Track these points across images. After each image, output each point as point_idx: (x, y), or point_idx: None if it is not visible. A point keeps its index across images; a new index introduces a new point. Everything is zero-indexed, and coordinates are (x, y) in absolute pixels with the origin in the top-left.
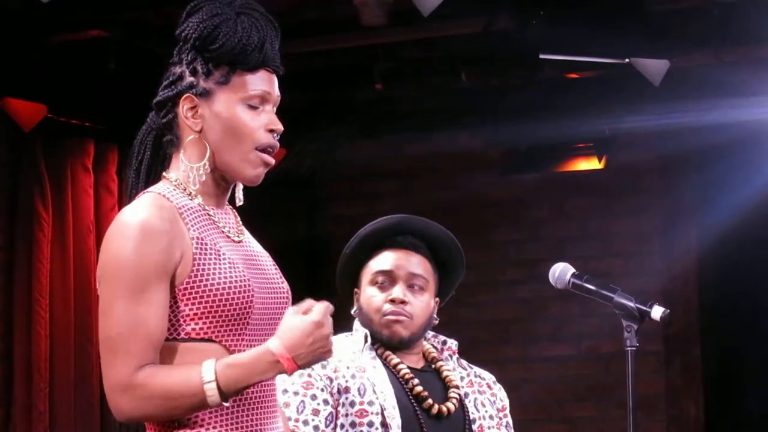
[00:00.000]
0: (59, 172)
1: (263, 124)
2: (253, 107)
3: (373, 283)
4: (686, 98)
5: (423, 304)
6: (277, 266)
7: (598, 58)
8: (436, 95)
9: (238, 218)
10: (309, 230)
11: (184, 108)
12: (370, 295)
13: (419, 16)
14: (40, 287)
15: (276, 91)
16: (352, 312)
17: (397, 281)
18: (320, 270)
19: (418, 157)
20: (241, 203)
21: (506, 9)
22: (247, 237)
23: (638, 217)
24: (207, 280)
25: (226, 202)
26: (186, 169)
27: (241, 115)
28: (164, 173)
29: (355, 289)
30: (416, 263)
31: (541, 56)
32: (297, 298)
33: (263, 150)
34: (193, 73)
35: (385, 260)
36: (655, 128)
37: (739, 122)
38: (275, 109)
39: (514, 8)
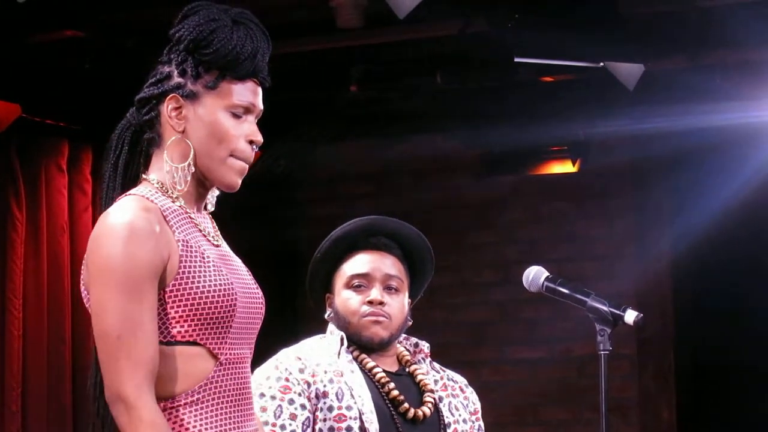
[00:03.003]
0: (33, 172)
1: (244, 134)
2: (236, 116)
3: (349, 286)
4: (661, 103)
5: (399, 304)
6: (250, 272)
7: (573, 61)
8: (411, 97)
9: (215, 223)
10: (284, 232)
11: (168, 107)
12: (346, 298)
13: (395, 19)
14: (14, 287)
15: (260, 104)
16: (326, 317)
17: (373, 283)
18: (295, 271)
19: (394, 159)
20: (212, 209)
21: (482, 12)
22: (224, 244)
23: (612, 220)
24: (193, 282)
25: (203, 207)
26: (171, 170)
27: (224, 121)
28: (144, 174)
29: (327, 294)
30: (390, 264)
31: (516, 59)
32: (271, 299)
33: (241, 158)
34: (182, 74)
35: (360, 263)
36: (629, 132)
37: (714, 127)
38: (257, 120)
39: (490, 11)
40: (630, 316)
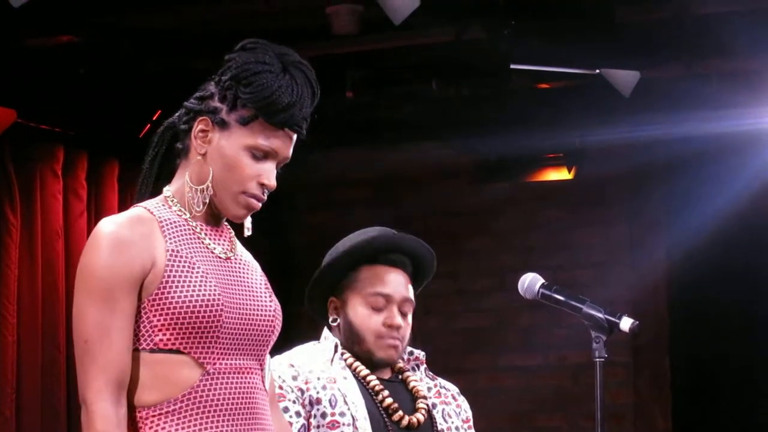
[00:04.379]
0: (28, 178)
1: (257, 176)
2: (255, 156)
3: (368, 302)
4: (656, 110)
5: (409, 325)
6: (269, 286)
7: (569, 68)
8: (407, 104)
9: (233, 237)
10: (279, 239)
11: (198, 128)
12: (365, 315)
13: (391, 25)
14: (8, 292)
15: (287, 152)
16: (331, 322)
17: (392, 304)
18: (290, 278)
19: (390, 166)
20: (249, 234)
21: (477, 19)
22: (240, 256)
23: (608, 228)
24: (175, 291)
25: (224, 222)
26: (190, 190)
27: (242, 159)
28: (165, 187)
29: (332, 297)
30: (406, 285)
31: (512, 66)
32: None
33: (251, 197)
34: (222, 100)
35: (381, 281)
36: (625, 140)
37: (710, 135)
38: (279, 167)
39: (486, 18)
40: (625, 323)
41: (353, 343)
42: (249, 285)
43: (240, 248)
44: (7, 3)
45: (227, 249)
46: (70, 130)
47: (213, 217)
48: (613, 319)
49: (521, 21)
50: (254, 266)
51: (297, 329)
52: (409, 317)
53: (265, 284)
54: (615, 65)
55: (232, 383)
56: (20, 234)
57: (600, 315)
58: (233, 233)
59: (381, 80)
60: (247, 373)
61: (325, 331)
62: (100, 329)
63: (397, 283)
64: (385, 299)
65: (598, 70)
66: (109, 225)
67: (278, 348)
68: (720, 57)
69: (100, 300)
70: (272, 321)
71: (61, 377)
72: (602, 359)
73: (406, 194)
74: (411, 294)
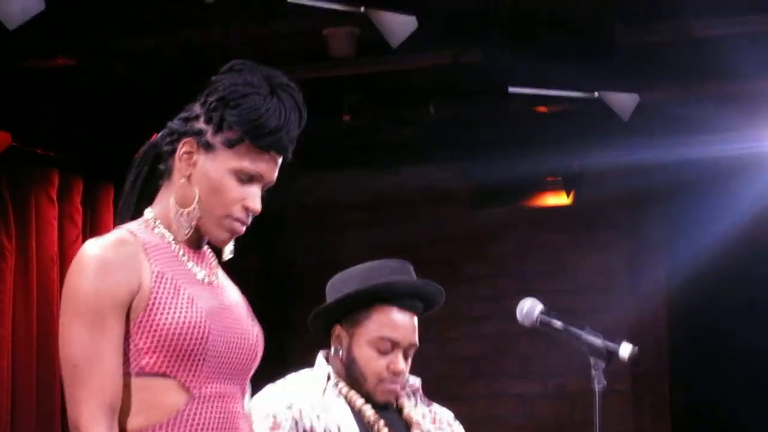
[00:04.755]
0: (23, 202)
1: (242, 199)
2: (241, 180)
3: (375, 344)
4: (655, 133)
5: (409, 365)
6: (250, 311)
7: (567, 92)
8: (404, 127)
9: (215, 262)
10: (274, 261)
11: (182, 150)
12: (369, 357)
13: (388, 48)
14: (3, 318)
15: (273, 176)
16: (334, 352)
17: (398, 349)
18: (285, 301)
19: (386, 190)
20: (230, 256)
21: (475, 41)
22: (221, 281)
23: (607, 253)
24: (162, 314)
25: (205, 246)
26: (176, 213)
27: (227, 183)
28: (147, 209)
29: (337, 325)
30: (415, 330)
31: (510, 90)
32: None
33: (236, 221)
34: (207, 121)
35: (393, 326)
36: (623, 163)
37: (709, 158)
38: (264, 189)
39: (483, 41)
40: (625, 350)
41: (353, 378)
42: (232, 310)
43: (221, 273)
44: (3, 25)
45: (209, 274)
46: (65, 155)
47: (194, 240)
48: (612, 345)
49: (519, 44)
50: (235, 291)
51: (292, 355)
52: (410, 358)
53: (247, 309)
54: (614, 88)
55: (216, 409)
56: (15, 259)
57: (599, 342)
58: (214, 257)
59: (378, 103)
60: (231, 398)
61: (320, 358)
62: (90, 352)
63: (407, 329)
64: (393, 345)
65: (596, 94)
66: (94, 247)
67: (273, 375)
68: (719, 80)
69: (89, 323)
70: (255, 347)
71: (56, 403)
72: (602, 386)
73: (403, 218)
74: (417, 338)
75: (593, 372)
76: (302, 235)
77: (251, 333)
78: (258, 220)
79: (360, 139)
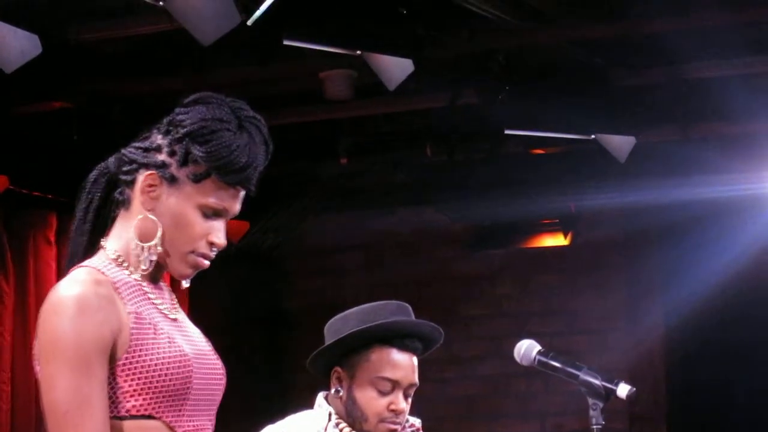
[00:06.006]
0: (21, 244)
1: (206, 234)
2: (206, 215)
3: (375, 385)
4: (652, 175)
5: (410, 405)
6: (211, 345)
7: (564, 134)
8: (400, 169)
9: (173, 296)
10: (272, 304)
11: (145, 182)
12: (370, 397)
13: (384, 90)
14: (2, 361)
15: (237, 209)
16: (334, 393)
17: (398, 389)
18: (283, 343)
19: (383, 232)
20: (187, 286)
21: (471, 84)
22: (181, 315)
23: (604, 293)
24: (145, 355)
25: (163, 279)
26: (136, 248)
27: (192, 218)
28: (103, 240)
29: (338, 368)
30: (415, 370)
31: (506, 132)
32: (259, 373)
33: (200, 256)
34: (171, 154)
35: (392, 366)
36: (620, 205)
37: (706, 199)
38: (226, 222)
39: (479, 84)
40: (623, 390)
41: (354, 419)
42: (198, 345)
43: (179, 308)
44: (0, 68)
45: (171, 308)
46: (62, 197)
47: (153, 274)
48: (610, 386)
49: (515, 86)
50: (193, 326)
51: (292, 396)
52: (410, 398)
53: (209, 343)
54: (610, 130)
55: None
56: (13, 302)
57: (597, 382)
58: (171, 291)
59: (374, 145)
60: None
61: (319, 398)
62: (80, 399)
63: (407, 369)
64: (393, 385)
65: (593, 135)
66: (70, 289)
67: (275, 415)
68: (716, 121)
69: (76, 368)
70: (222, 380)
71: None
72: (599, 426)
73: (400, 260)
74: (417, 378)
75: (591, 412)
76: (300, 279)
77: (218, 365)
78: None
79: (357, 181)
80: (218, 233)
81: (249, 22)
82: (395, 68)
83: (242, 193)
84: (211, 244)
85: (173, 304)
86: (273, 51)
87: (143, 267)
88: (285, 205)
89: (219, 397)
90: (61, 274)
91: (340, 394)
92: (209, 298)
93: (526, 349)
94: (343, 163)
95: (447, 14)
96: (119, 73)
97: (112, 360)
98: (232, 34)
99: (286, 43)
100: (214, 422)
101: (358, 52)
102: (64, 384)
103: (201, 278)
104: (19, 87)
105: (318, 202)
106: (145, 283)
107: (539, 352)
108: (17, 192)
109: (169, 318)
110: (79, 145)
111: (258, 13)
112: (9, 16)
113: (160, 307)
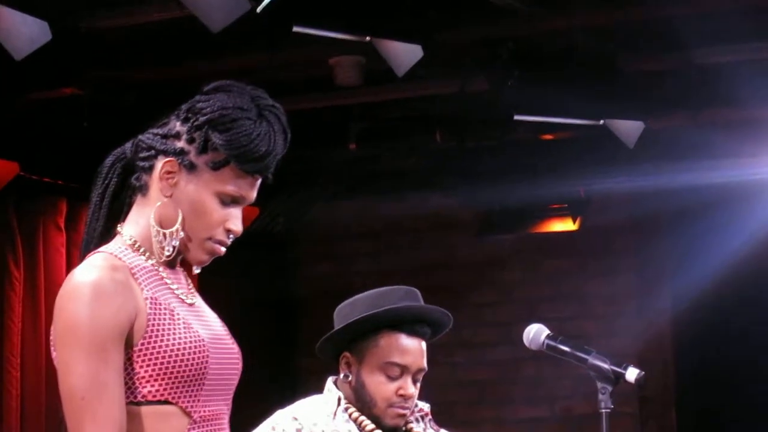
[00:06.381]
0: (31, 231)
1: (224, 221)
2: (223, 202)
3: (384, 370)
4: (661, 160)
5: (418, 390)
6: (227, 329)
7: (573, 119)
8: (410, 156)
9: (189, 281)
10: (281, 290)
11: (163, 169)
12: (378, 382)
13: (394, 77)
14: (11, 346)
15: (253, 196)
16: (343, 378)
17: (407, 374)
18: (292, 328)
19: (392, 218)
20: (198, 272)
21: (481, 70)
22: (199, 300)
23: (613, 278)
24: (162, 340)
25: (178, 264)
26: (157, 234)
27: (210, 205)
28: (120, 226)
29: (346, 353)
30: (423, 354)
31: (516, 117)
32: (269, 359)
33: (217, 243)
34: (190, 141)
35: (401, 351)
36: (629, 190)
37: (715, 184)
38: (242, 209)
39: (489, 69)
40: (631, 374)
41: (363, 403)
42: (215, 329)
43: (196, 293)
44: (10, 55)
45: (189, 294)
46: (73, 183)
47: (170, 261)
48: (618, 369)
49: (524, 72)
50: (209, 309)
51: (302, 382)
52: (419, 383)
53: (225, 327)
54: (619, 115)
55: (213, 430)
56: (23, 287)
57: (606, 366)
58: (187, 276)
59: (384, 132)
60: (221, 418)
61: (329, 383)
62: (97, 384)
63: (416, 354)
64: (402, 370)
65: (602, 121)
66: (87, 275)
67: (282, 401)
68: (725, 106)
69: (93, 353)
70: (238, 364)
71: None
72: (608, 410)
73: (409, 246)
74: (425, 363)
75: (600, 396)
76: (310, 265)
77: (234, 350)
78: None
79: (366, 167)
80: (235, 220)
81: (258, 9)
82: (405, 54)
83: (259, 181)
84: (228, 231)
85: (190, 288)
86: (282, 38)
87: (167, 253)
88: (294, 191)
89: (235, 382)
90: (71, 260)
91: (349, 379)
92: (218, 283)
93: (535, 333)
94: (353, 149)
95: (456, 0)
96: (129, 60)
97: (129, 345)
98: (242, 21)
99: (295, 29)
100: (230, 406)
101: (368, 38)
102: (81, 370)
103: (210, 263)
104: (29, 74)
105: (327, 188)
106: (161, 268)
107: (548, 337)
108: (27, 178)
109: (186, 303)
110: (89, 131)
111: (267, 0)
112: (18, 3)
113: (176, 292)
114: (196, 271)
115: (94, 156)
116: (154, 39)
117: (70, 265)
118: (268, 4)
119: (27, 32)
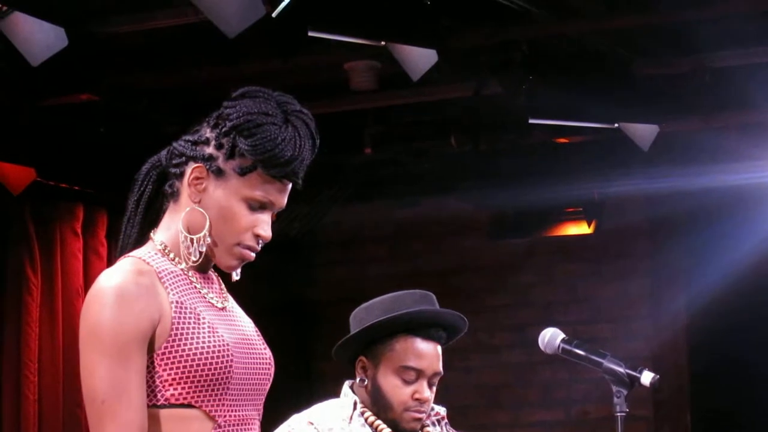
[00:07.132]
0: (48, 236)
1: (252, 227)
2: (251, 207)
3: (400, 373)
4: (675, 163)
5: (434, 394)
6: (260, 333)
7: (587, 123)
8: (425, 159)
9: (223, 285)
10: (297, 294)
11: (192, 175)
12: (395, 386)
13: (409, 81)
14: (29, 351)
15: (283, 202)
16: (360, 382)
17: (423, 378)
18: (308, 333)
19: (407, 222)
20: (237, 278)
21: (496, 74)
22: (231, 304)
23: (627, 281)
24: (186, 344)
25: (212, 269)
26: (185, 240)
27: (238, 210)
28: (152, 233)
29: (362, 357)
30: (439, 359)
31: (531, 121)
32: (284, 363)
33: (246, 248)
34: (218, 147)
35: (417, 355)
36: (643, 193)
37: (729, 187)
38: (273, 215)
39: (504, 73)
40: (646, 377)
41: (379, 407)
42: (246, 334)
43: (230, 297)
44: (27, 61)
45: (220, 298)
46: (89, 189)
47: (202, 265)
48: (633, 373)
49: (539, 76)
50: (244, 314)
51: (318, 386)
52: (435, 386)
53: (257, 332)
54: (633, 119)
55: None
56: (41, 293)
57: (621, 369)
58: (221, 281)
59: (399, 136)
60: (250, 423)
61: (345, 387)
62: (118, 387)
63: (431, 358)
64: (417, 374)
65: (616, 124)
66: (111, 279)
67: (298, 405)
68: (738, 110)
69: (114, 357)
70: (269, 369)
71: None
72: (623, 414)
73: (424, 250)
74: (441, 367)
75: (615, 399)
76: (326, 269)
77: (265, 355)
78: (281, 254)
79: (381, 172)
80: (264, 226)
81: (274, 14)
82: (419, 59)
83: (289, 186)
84: (258, 237)
85: (222, 293)
86: (298, 43)
87: (193, 258)
88: (310, 195)
89: (266, 387)
90: (87, 265)
91: (365, 383)
92: (234, 287)
93: (551, 337)
94: (368, 153)
95: (471, 4)
96: (145, 66)
97: (152, 349)
98: (257, 26)
99: (310, 34)
100: (261, 411)
101: (383, 42)
102: (102, 373)
103: None
104: (45, 80)
105: (343, 192)
106: (191, 273)
107: (563, 340)
108: (44, 184)
109: (216, 307)
110: (105, 137)
111: (283, 5)
112: (35, 10)
113: (206, 296)
114: (236, 277)
115: (111, 161)
116: (171, 45)
117: (87, 271)
118: (284, 10)
119: (43, 38)
